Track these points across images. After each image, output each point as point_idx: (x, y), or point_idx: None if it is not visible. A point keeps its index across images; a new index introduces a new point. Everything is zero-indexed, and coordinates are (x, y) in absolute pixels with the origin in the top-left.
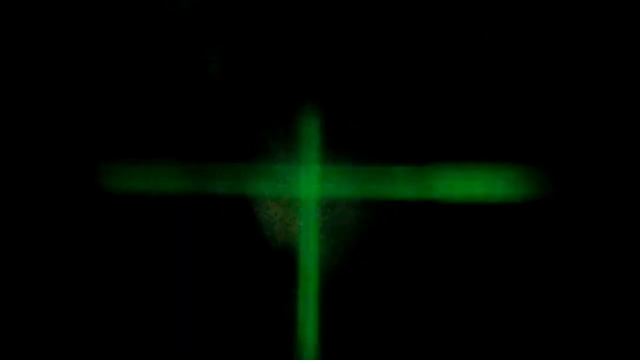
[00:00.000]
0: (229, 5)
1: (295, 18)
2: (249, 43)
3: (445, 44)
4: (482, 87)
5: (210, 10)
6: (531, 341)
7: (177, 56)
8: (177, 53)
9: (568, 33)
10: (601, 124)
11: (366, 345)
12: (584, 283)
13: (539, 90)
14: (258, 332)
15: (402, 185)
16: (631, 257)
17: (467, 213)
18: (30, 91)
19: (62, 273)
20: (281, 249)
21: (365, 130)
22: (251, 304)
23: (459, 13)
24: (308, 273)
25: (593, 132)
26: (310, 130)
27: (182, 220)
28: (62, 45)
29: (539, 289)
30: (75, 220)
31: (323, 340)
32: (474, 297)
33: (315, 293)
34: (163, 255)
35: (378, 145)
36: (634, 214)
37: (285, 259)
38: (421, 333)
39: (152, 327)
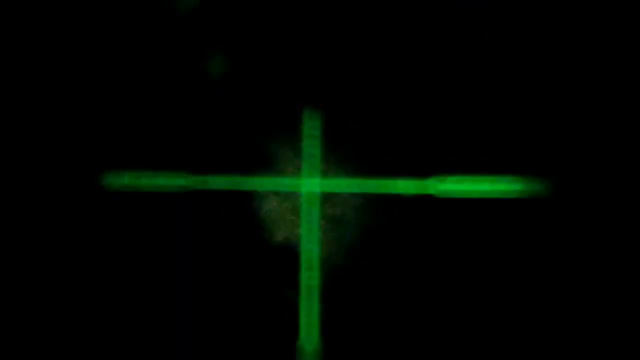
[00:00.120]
0: (232, 10)
1: (301, 28)
2: (252, 48)
3: (448, 50)
4: (483, 90)
5: (212, 16)
6: (529, 334)
7: (179, 61)
8: (180, 59)
9: (562, 46)
10: (598, 127)
11: (367, 338)
12: (583, 281)
13: (534, 93)
14: (259, 325)
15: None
16: (625, 254)
17: (466, 211)
18: (33, 95)
19: (65, 271)
20: (282, 243)
21: (365, 130)
22: (253, 298)
23: (462, 24)
24: (309, 267)
25: (590, 136)
26: (313, 130)
27: (184, 217)
28: (67, 53)
29: (537, 288)
30: (78, 220)
31: (324, 334)
32: (472, 294)
33: (317, 286)
34: (166, 249)
35: (378, 145)
36: (629, 214)
37: (286, 254)
38: (422, 327)
39: (156, 322)
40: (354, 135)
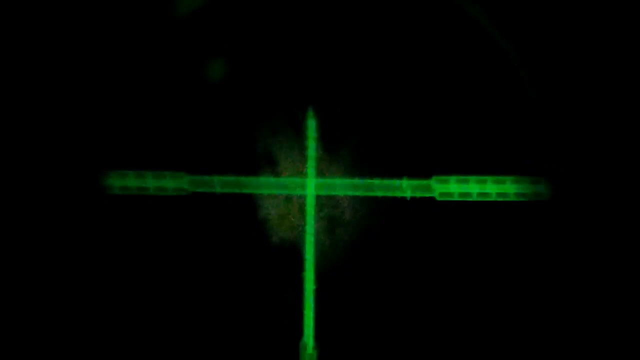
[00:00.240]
0: (233, 13)
1: (302, 31)
2: (254, 51)
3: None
4: (483, 92)
5: (213, 19)
6: (528, 334)
7: (182, 64)
8: (183, 61)
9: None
10: (597, 130)
11: (364, 335)
12: (583, 281)
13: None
14: (262, 324)
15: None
16: (624, 254)
17: (466, 212)
18: (36, 97)
19: (66, 270)
20: (282, 243)
21: (366, 131)
22: (255, 298)
23: (463, 26)
24: (308, 266)
25: (590, 139)
26: (314, 131)
27: (186, 218)
28: (71, 56)
29: (536, 288)
30: (80, 221)
31: (322, 331)
32: (472, 294)
33: (314, 285)
34: (167, 250)
35: (379, 146)
36: (627, 215)
37: (286, 253)
38: (423, 326)
39: (159, 321)
40: (355, 136)
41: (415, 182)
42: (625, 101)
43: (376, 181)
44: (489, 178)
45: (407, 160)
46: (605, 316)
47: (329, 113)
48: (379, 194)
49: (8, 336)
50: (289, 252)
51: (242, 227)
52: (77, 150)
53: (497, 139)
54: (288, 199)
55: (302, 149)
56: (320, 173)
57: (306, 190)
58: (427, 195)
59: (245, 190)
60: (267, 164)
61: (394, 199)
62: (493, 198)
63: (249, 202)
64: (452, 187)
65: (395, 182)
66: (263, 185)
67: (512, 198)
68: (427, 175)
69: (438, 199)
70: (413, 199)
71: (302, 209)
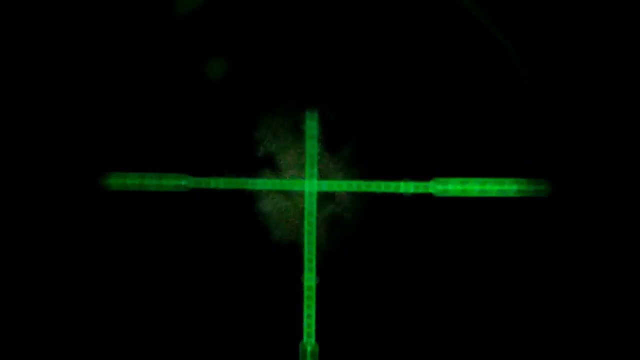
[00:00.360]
0: (234, 14)
1: (304, 32)
2: (254, 51)
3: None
4: (483, 92)
5: (214, 19)
6: (527, 332)
7: (181, 64)
8: (183, 61)
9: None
10: (596, 129)
11: (363, 333)
12: (582, 279)
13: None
14: (262, 324)
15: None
16: (623, 253)
17: (466, 211)
18: (38, 98)
19: (67, 270)
20: (282, 241)
21: (367, 131)
22: (255, 297)
23: (464, 28)
24: (308, 265)
25: (589, 138)
26: (314, 131)
27: (187, 217)
28: (73, 57)
29: (536, 287)
30: (81, 220)
31: (322, 330)
32: (472, 294)
33: (314, 283)
34: (168, 249)
35: (379, 146)
36: (626, 213)
37: (285, 252)
38: (419, 325)
39: (159, 321)
40: (355, 135)
41: (415, 184)
42: (625, 101)
43: (375, 183)
44: (488, 180)
45: (407, 160)
46: (604, 314)
47: (329, 113)
48: (378, 190)
49: (8, 334)
50: (289, 251)
51: (242, 225)
52: (77, 149)
53: (497, 138)
54: (288, 198)
55: (302, 148)
56: (320, 172)
57: (306, 189)
58: (426, 192)
59: (245, 187)
60: (267, 163)
61: (394, 197)
62: (493, 194)
63: (249, 201)
64: (452, 188)
65: (395, 183)
66: (263, 184)
67: (511, 194)
68: (427, 174)
69: (438, 197)
70: (413, 196)
71: (302, 208)
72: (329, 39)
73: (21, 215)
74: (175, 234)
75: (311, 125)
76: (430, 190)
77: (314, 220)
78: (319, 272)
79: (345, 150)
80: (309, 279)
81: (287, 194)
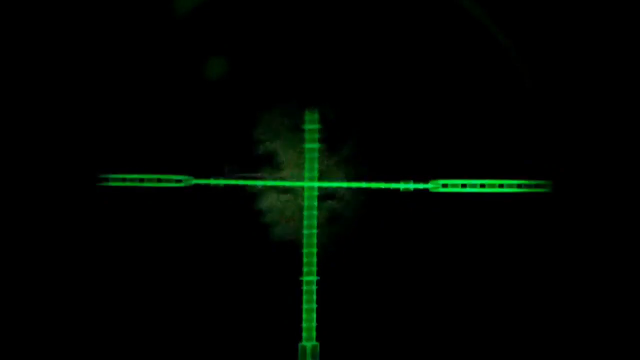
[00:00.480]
0: (234, 13)
1: (304, 31)
2: (254, 50)
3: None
4: (483, 92)
5: (213, 19)
6: (527, 330)
7: (180, 63)
8: (182, 61)
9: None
10: (596, 128)
11: (363, 332)
12: (582, 278)
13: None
14: (262, 322)
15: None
16: (623, 251)
17: (466, 209)
18: (39, 98)
19: (68, 269)
20: (281, 240)
21: (367, 131)
22: (255, 296)
23: (465, 28)
24: (307, 262)
25: (589, 137)
26: (314, 130)
27: (187, 215)
28: (68, 56)
29: (535, 286)
30: (81, 219)
31: (322, 328)
32: (472, 293)
33: (314, 281)
34: (168, 248)
35: (380, 145)
36: (626, 212)
37: (285, 250)
38: (419, 324)
39: (158, 320)
40: (355, 134)
41: (415, 185)
42: (625, 101)
43: (374, 182)
44: (487, 182)
45: (408, 160)
46: (604, 312)
47: (329, 112)
48: (378, 187)
49: (7, 332)
50: (289, 249)
51: (242, 224)
52: (76, 149)
53: (497, 139)
54: (288, 196)
55: (302, 147)
56: (320, 171)
57: (306, 187)
58: (428, 190)
59: (245, 183)
60: (267, 162)
61: (394, 195)
62: (494, 192)
63: (249, 200)
64: (452, 188)
65: (394, 184)
66: (263, 183)
67: (512, 192)
68: (428, 173)
69: (438, 195)
70: (414, 195)
71: (301, 207)
72: (329, 38)
73: (20, 215)
74: (175, 232)
75: (311, 125)
76: (431, 190)
77: (314, 219)
78: (319, 271)
79: (346, 150)
80: (309, 278)
81: (287, 193)
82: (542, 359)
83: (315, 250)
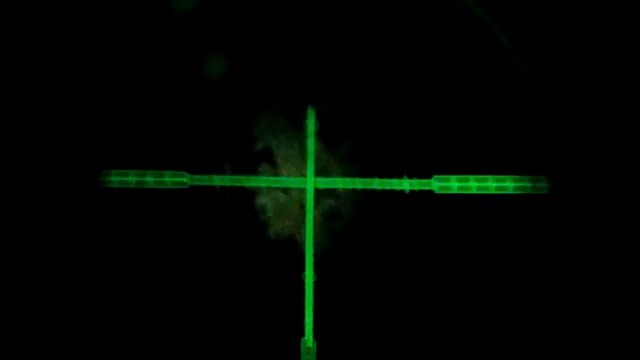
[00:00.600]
0: (231, 11)
1: (304, 29)
2: (254, 48)
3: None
4: (483, 91)
5: (213, 17)
6: (526, 329)
7: (180, 61)
8: (182, 59)
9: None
10: (595, 127)
11: (363, 330)
12: (581, 277)
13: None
14: (263, 321)
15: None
16: (622, 250)
17: (466, 209)
18: (40, 97)
19: (68, 268)
20: (281, 238)
21: (367, 128)
22: (255, 295)
23: (465, 25)
24: (308, 261)
25: (587, 136)
26: (314, 128)
27: (186, 214)
28: (68, 55)
29: (535, 285)
30: (82, 218)
31: (321, 327)
32: (472, 292)
33: (314, 280)
34: (169, 247)
35: (380, 144)
36: (625, 211)
37: (285, 248)
38: (418, 322)
39: (159, 319)
40: (354, 133)
41: (415, 181)
42: (624, 99)
43: (376, 180)
44: (489, 177)
45: (407, 158)
46: (603, 311)
47: (329, 110)
48: (378, 187)
49: (6, 332)
50: (289, 247)
51: (242, 223)
52: (76, 147)
53: (497, 137)
54: (287, 195)
55: (302, 145)
56: (320, 169)
57: (305, 186)
58: (427, 188)
59: (245, 184)
60: (266, 160)
61: (394, 194)
62: (492, 191)
63: (249, 198)
64: (452, 185)
65: (395, 180)
66: (262, 182)
67: (511, 191)
68: (427, 173)
69: (437, 191)
70: (412, 193)
71: (301, 205)
72: (329, 36)
73: (20, 214)
74: (175, 231)
75: (311, 122)
76: (430, 188)
77: (312, 217)
78: (318, 269)
79: (345, 147)
80: (309, 276)
81: (286, 191)
82: (541, 359)
83: (314, 247)
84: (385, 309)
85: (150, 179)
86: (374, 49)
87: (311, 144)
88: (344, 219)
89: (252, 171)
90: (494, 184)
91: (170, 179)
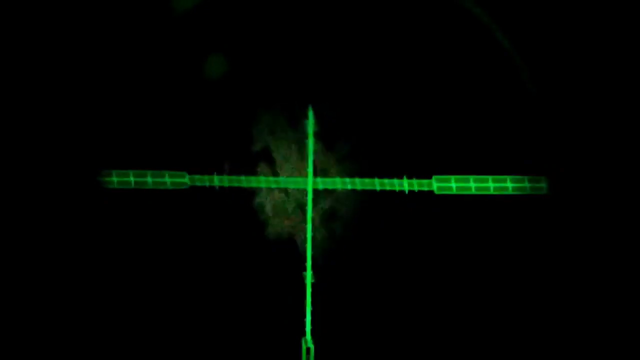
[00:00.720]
0: (231, 11)
1: (303, 30)
2: (254, 49)
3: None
4: (483, 91)
5: (213, 18)
6: (526, 328)
7: (180, 62)
8: (182, 59)
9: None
10: (594, 128)
11: (363, 329)
12: (581, 276)
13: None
14: (264, 320)
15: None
16: (621, 250)
17: (466, 208)
18: (40, 97)
19: (68, 268)
20: (281, 238)
21: (367, 129)
22: (255, 294)
23: (466, 26)
24: (307, 261)
25: (587, 136)
26: (314, 128)
27: (186, 214)
28: (68, 55)
29: (534, 285)
30: (82, 218)
31: (322, 326)
32: (472, 292)
33: (313, 280)
34: (168, 247)
35: (379, 144)
36: (624, 210)
37: (285, 248)
38: (418, 321)
39: (159, 318)
40: (354, 133)
41: (415, 181)
42: (623, 99)
43: (376, 180)
44: (489, 177)
45: (407, 158)
46: (603, 311)
47: (328, 110)
48: (378, 187)
49: (7, 332)
50: (288, 247)
51: (241, 222)
52: (76, 147)
53: (497, 137)
54: (287, 195)
55: (302, 145)
56: (319, 169)
57: (305, 186)
58: (426, 189)
59: (245, 184)
60: (266, 161)
61: (393, 194)
62: (491, 192)
63: (248, 198)
64: (452, 185)
65: (395, 180)
66: (262, 182)
67: (510, 192)
68: (427, 173)
69: (437, 192)
70: (412, 193)
71: (301, 205)
72: (329, 36)
73: (20, 214)
74: (175, 231)
75: (311, 122)
76: (430, 188)
77: (311, 217)
78: (317, 269)
79: (345, 147)
80: (308, 275)
81: (286, 191)
82: (540, 359)
83: (313, 247)
84: (385, 308)
85: (150, 180)
86: (373, 50)
87: (311, 144)
88: (343, 219)
89: (252, 171)
90: (494, 185)
91: (170, 180)
